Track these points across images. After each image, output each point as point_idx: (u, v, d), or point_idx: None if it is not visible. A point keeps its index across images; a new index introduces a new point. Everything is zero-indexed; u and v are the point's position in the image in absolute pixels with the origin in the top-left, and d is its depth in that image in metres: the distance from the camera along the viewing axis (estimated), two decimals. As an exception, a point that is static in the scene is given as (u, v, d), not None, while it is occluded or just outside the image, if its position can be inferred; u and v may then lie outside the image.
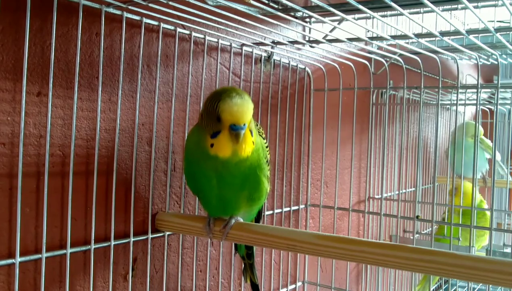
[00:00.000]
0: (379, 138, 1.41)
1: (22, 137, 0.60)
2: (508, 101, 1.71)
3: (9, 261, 0.60)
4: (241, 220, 0.73)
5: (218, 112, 0.62)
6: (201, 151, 0.66)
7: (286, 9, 0.82)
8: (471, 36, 0.85)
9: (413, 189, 1.65)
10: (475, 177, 1.05)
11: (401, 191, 1.55)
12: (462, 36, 0.98)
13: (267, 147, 0.73)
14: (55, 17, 0.62)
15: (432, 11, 0.70)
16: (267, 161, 0.72)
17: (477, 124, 1.11)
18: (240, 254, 0.86)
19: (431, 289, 1.60)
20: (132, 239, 0.75)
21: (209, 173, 0.67)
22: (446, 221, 1.48)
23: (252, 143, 0.66)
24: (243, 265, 0.88)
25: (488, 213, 1.48)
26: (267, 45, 0.97)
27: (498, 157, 1.88)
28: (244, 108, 0.62)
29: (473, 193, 1.10)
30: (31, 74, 0.62)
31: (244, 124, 0.63)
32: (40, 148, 0.64)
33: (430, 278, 1.36)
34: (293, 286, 1.14)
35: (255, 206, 0.73)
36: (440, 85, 1.05)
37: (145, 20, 0.75)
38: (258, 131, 0.71)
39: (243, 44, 0.94)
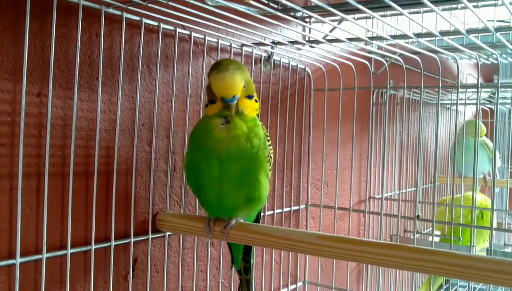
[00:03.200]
0: (379, 138, 1.41)
1: (22, 138, 0.60)
2: (508, 101, 1.71)
3: (10, 261, 0.60)
4: (242, 220, 0.73)
5: (211, 85, 0.66)
6: (202, 126, 0.69)
7: (286, 9, 0.82)
8: (471, 36, 0.85)
9: (413, 188, 1.65)
10: (475, 177, 1.05)
11: (401, 191, 1.55)
12: (462, 36, 0.98)
13: (270, 146, 0.72)
14: (54, 18, 0.62)
15: (432, 10, 0.70)
16: (268, 159, 0.71)
17: (478, 123, 1.11)
18: (237, 268, 0.82)
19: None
20: (132, 240, 0.75)
21: (211, 151, 0.67)
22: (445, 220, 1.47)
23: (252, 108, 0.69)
24: (239, 281, 0.84)
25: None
26: (267, 45, 0.97)
27: (498, 163, 1.89)
28: (230, 83, 0.64)
29: (473, 192, 1.10)
30: (31, 75, 0.62)
31: (234, 96, 0.65)
32: (40, 149, 0.64)
33: (431, 283, 1.36)
34: (294, 286, 1.14)
35: (254, 208, 0.73)
36: (440, 85, 1.05)
37: (144, 20, 0.75)
38: (262, 125, 0.71)
39: (243, 44, 0.94)
